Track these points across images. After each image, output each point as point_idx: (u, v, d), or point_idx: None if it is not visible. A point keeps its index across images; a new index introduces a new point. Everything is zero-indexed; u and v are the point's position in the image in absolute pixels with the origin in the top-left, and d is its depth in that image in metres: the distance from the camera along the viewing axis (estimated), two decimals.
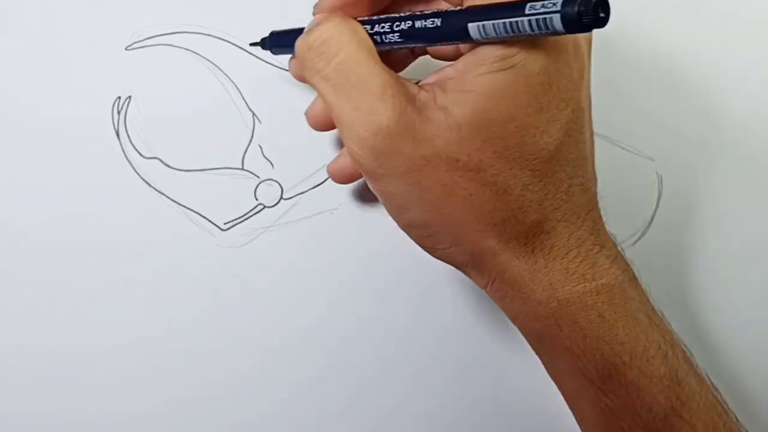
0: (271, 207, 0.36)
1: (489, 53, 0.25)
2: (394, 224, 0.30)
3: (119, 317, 0.35)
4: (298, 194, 0.36)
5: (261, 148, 0.36)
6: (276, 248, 0.36)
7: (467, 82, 0.26)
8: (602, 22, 0.22)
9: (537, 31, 0.23)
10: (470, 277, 0.30)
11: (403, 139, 0.25)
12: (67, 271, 0.35)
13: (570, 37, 0.26)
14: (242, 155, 0.36)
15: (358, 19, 0.28)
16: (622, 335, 0.28)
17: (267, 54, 0.35)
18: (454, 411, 0.37)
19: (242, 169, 0.36)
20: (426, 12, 0.26)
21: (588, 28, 0.22)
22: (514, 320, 0.30)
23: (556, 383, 0.31)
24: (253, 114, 0.36)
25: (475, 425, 0.37)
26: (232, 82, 0.36)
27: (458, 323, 0.37)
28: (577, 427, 0.32)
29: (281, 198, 0.36)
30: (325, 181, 0.36)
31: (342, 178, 0.32)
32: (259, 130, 0.36)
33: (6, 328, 0.34)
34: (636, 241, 0.38)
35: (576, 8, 0.22)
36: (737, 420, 0.31)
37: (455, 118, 0.25)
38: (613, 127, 0.39)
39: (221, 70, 0.36)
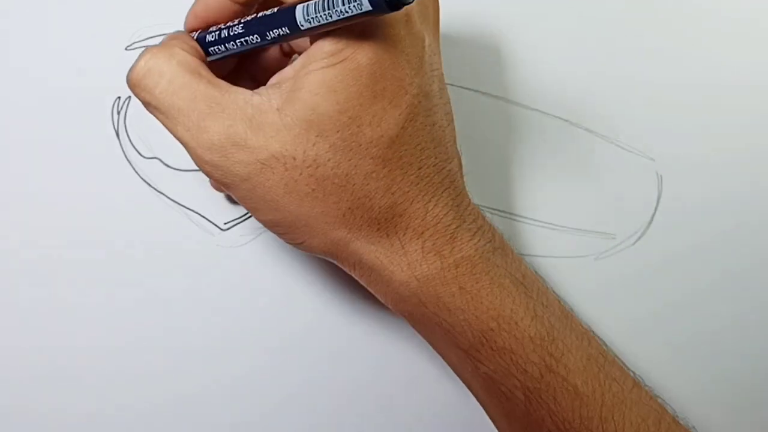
0: None
1: (320, 50, 0.26)
2: None
3: (119, 317, 0.35)
4: None
5: None
6: (276, 248, 0.36)
7: (299, 80, 0.26)
8: (408, 0, 0.23)
9: (351, 11, 0.24)
10: (338, 265, 0.31)
11: (236, 148, 0.27)
12: (66, 270, 0.35)
13: (403, 24, 0.27)
14: None
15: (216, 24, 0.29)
16: (486, 303, 0.29)
17: None
18: (453, 410, 0.37)
19: None
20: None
21: (395, 7, 0.23)
22: (385, 303, 0.31)
23: (444, 359, 0.32)
24: None
25: (475, 424, 0.37)
26: None
27: None
28: None
29: None
30: None
31: None
32: None
33: (6, 328, 0.34)
34: (636, 241, 0.38)
35: None
36: (624, 366, 0.31)
37: (289, 117, 0.26)
38: (613, 127, 0.39)
39: None
